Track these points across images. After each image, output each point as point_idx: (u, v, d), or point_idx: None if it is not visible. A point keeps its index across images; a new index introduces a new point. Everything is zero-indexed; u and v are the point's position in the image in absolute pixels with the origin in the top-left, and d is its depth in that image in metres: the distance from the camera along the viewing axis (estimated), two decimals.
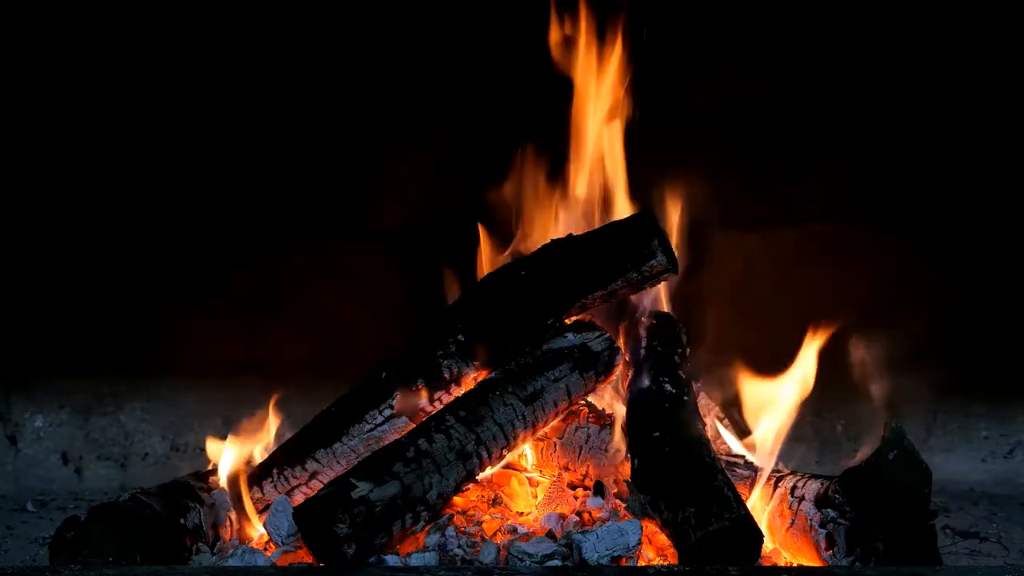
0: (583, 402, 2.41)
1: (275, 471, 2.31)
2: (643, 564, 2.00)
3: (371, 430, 2.30)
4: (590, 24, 2.65)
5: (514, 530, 2.16)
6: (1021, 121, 3.10)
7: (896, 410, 3.13)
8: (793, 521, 2.08)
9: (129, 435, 3.23)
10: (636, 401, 2.28)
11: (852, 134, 3.14)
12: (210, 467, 2.37)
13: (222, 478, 2.28)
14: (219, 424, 3.06)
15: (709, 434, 2.26)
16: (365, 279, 3.14)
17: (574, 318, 2.41)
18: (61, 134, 3.12)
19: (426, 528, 2.07)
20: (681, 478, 2.01)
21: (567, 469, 2.39)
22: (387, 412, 2.31)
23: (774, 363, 2.41)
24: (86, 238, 3.15)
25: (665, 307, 2.59)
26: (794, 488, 2.12)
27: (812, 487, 2.07)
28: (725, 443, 2.45)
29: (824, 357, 2.34)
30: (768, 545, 2.10)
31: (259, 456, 2.39)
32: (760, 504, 2.17)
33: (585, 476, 2.36)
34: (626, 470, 2.21)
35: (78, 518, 2.01)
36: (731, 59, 3.10)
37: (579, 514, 2.21)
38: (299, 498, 2.21)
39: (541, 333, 2.35)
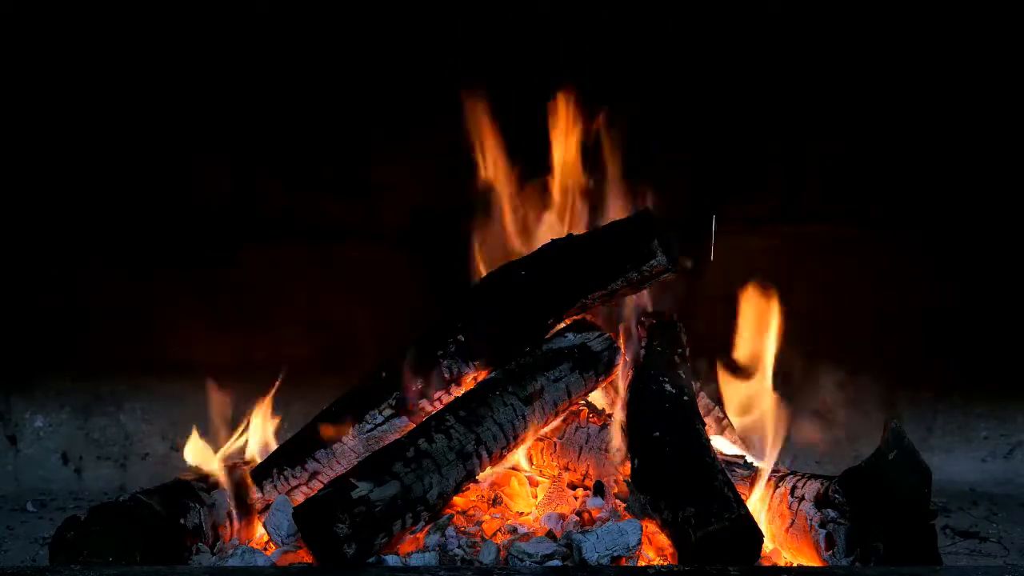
0: (583, 402, 2.41)
1: (275, 471, 2.31)
2: (643, 564, 1.99)
3: (371, 430, 2.30)
4: None
5: (514, 530, 2.15)
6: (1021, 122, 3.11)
7: (896, 410, 3.15)
8: (793, 521, 2.07)
9: (129, 435, 3.23)
10: (636, 401, 2.28)
11: (853, 135, 3.14)
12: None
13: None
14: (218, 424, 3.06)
15: (709, 434, 2.26)
16: (365, 279, 3.14)
17: (574, 318, 2.41)
18: (60, 133, 3.11)
19: (426, 528, 2.07)
20: (681, 478, 2.02)
21: (567, 469, 2.39)
22: (387, 412, 2.31)
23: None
24: (86, 238, 3.15)
25: (663, 307, 2.59)
26: (794, 488, 2.11)
27: (812, 487, 2.07)
28: (725, 443, 2.45)
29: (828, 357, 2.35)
30: (768, 545, 2.10)
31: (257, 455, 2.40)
32: (760, 504, 2.17)
33: (585, 476, 2.36)
34: (626, 470, 2.21)
35: (78, 518, 2.01)
36: (731, 58, 3.10)
37: (579, 514, 2.21)
38: (299, 498, 2.21)
39: (541, 333, 2.35)
